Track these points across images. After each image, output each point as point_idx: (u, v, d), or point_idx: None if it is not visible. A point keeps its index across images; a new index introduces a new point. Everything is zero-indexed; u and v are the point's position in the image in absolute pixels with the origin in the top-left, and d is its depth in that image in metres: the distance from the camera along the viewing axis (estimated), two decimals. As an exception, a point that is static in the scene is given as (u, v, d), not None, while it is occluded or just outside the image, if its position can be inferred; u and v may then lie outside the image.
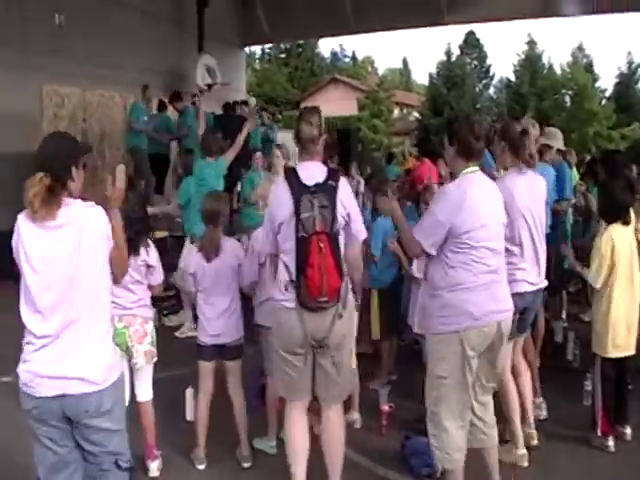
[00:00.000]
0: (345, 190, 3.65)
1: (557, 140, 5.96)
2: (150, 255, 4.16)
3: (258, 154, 8.81)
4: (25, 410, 2.86)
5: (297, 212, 3.46)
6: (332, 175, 3.62)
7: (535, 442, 4.58)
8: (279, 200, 3.60)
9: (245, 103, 13.92)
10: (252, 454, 4.53)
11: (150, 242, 4.26)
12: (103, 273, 2.92)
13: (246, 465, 4.46)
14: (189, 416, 5.09)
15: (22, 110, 10.33)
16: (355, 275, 3.83)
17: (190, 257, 4.45)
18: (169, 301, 8.04)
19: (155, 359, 4.33)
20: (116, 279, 3.04)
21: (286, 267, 3.58)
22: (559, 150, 6.29)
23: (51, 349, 2.78)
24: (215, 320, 4.37)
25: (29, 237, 2.79)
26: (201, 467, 4.43)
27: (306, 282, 3.45)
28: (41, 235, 2.77)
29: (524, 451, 4.40)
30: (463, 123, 3.67)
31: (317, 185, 3.53)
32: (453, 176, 3.78)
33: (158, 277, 4.26)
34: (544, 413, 5.06)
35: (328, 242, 3.47)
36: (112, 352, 2.99)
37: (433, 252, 3.58)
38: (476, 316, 3.51)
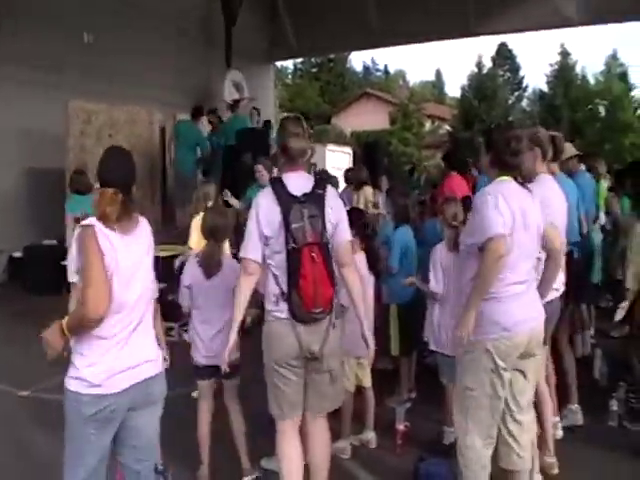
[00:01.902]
0: (332, 197, 3.62)
1: (567, 150, 5.83)
2: None
3: (260, 166, 8.07)
4: (85, 417, 2.87)
5: (286, 223, 3.40)
6: (319, 184, 3.58)
7: (555, 471, 4.36)
8: (267, 211, 3.50)
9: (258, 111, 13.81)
10: (263, 474, 4.43)
11: None
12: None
13: (248, 479, 4.37)
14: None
15: (48, 126, 10.48)
16: (346, 272, 3.66)
17: (190, 270, 4.32)
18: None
19: None
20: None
21: (276, 280, 3.51)
22: (579, 157, 6.22)
23: (126, 344, 2.96)
24: (210, 341, 4.23)
25: (117, 244, 2.91)
26: None
27: (299, 294, 3.41)
28: (123, 242, 2.94)
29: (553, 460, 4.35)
30: (501, 136, 3.60)
31: (305, 195, 3.48)
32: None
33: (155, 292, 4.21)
34: (560, 432, 4.85)
35: (320, 252, 3.44)
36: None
37: (507, 231, 3.38)
38: (506, 326, 3.43)
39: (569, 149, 5.87)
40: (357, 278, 3.75)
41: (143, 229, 3.10)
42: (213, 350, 4.20)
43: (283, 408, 3.64)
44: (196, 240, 6.54)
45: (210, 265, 4.24)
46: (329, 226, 3.52)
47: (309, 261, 3.40)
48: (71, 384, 2.89)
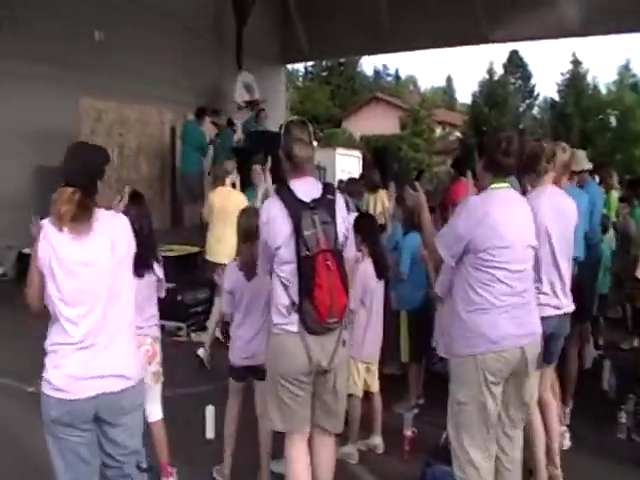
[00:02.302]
0: (342, 204, 3.52)
1: (581, 162, 5.81)
2: (160, 268, 4.13)
3: (257, 167, 7.88)
4: (51, 419, 2.87)
5: (298, 230, 3.26)
6: (328, 189, 3.46)
7: None
8: (275, 220, 3.36)
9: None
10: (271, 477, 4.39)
11: (159, 256, 4.21)
12: (129, 277, 3.05)
13: None
14: (209, 434, 5.01)
15: (59, 124, 10.49)
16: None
17: (231, 275, 4.30)
18: (198, 317, 7.99)
19: (162, 379, 4.24)
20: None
21: (286, 290, 3.37)
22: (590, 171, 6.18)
23: (89, 351, 2.86)
24: (249, 342, 4.21)
25: (62, 245, 2.85)
26: None
27: (314, 304, 3.25)
28: (73, 243, 2.86)
29: (558, 471, 4.23)
30: (492, 137, 3.54)
31: (315, 201, 3.35)
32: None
33: (162, 292, 4.22)
34: (567, 442, 4.83)
35: (334, 259, 3.31)
36: (136, 349, 3.14)
37: (452, 263, 3.43)
38: (493, 339, 3.33)
39: (582, 160, 5.84)
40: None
41: (104, 227, 2.93)
42: (251, 351, 4.20)
43: (292, 423, 3.53)
44: (209, 212, 7.42)
45: (252, 268, 4.13)
46: (340, 234, 3.41)
47: (324, 269, 3.26)
48: (43, 386, 2.90)
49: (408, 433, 4.77)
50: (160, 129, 12.54)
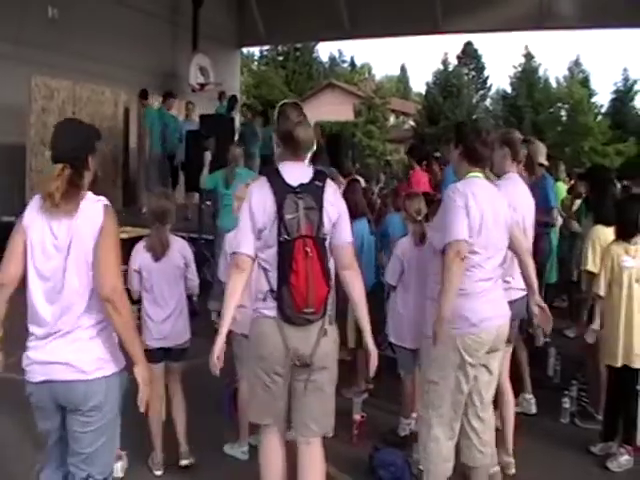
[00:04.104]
0: (332, 191, 3.31)
1: (543, 154, 5.95)
2: None
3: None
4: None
5: (280, 214, 3.12)
6: (318, 176, 3.29)
7: (512, 471, 4.34)
8: (260, 202, 3.20)
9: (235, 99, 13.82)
10: (223, 459, 4.45)
11: None
12: (87, 269, 2.80)
13: (185, 462, 4.34)
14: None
15: (10, 101, 10.24)
16: (348, 275, 3.34)
17: (137, 254, 4.27)
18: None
19: None
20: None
21: (266, 275, 3.22)
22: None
23: (45, 336, 2.77)
24: (161, 323, 4.23)
25: (39, 225, 2.78)
26: (158, 473, 4.30)
27: (290, 291, 3.10)
28: (46, 224, 2.76)
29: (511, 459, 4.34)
30: (472, 128, 3.68)
31: (302, 185, 3.19)
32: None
33: None
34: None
35: (315, 246, 3.14)
36: (108, 345, 2.87)
37: (471, 234, 3.44)
38: (473, 322, 3.48)
39: (544, 153, 5.98)
40: (360, 281, 3.41)
41: (86, 213, 2.77)
42: (164, 332, 4.23)
43: (259, 414, 3.39)
44: None
45: (159, 249, 4.20)
46: (327, 222, 3.22)
47: (302, 255, 3.10)
48: None
49: (357, 417, 4.82)
50: (114, 109, 12.34)
